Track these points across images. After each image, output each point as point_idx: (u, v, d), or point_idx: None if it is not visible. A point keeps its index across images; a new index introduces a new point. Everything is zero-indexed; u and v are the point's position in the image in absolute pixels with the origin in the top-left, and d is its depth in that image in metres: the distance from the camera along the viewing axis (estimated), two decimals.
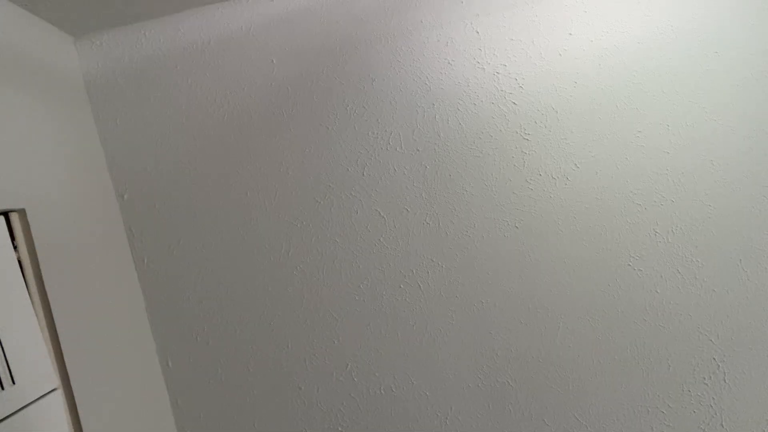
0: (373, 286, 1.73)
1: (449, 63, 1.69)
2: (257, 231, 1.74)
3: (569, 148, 1.67)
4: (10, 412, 1.09)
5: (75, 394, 1.30)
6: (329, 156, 1.73)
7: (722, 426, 1.67)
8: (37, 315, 1.26)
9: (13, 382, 1.12)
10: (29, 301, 1.24)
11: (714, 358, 1.66)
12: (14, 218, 1.27)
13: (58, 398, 1.24)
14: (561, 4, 1.66)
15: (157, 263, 1.77)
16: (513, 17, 1.67)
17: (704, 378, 1.67)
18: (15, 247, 1.26)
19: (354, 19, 1.71)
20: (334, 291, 1.74)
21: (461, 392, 1.72)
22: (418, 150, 1.71)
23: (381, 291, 1.73)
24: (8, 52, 1.39)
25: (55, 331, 1.30)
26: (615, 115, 1.66)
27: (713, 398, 1.67)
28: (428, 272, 1.72)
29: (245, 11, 1.74)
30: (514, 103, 1.68)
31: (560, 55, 1.67)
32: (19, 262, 1.26)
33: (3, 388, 1.09)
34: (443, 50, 1.69)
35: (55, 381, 1.25)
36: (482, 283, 1.70)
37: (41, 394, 1.19)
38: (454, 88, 1.69)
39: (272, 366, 1.75)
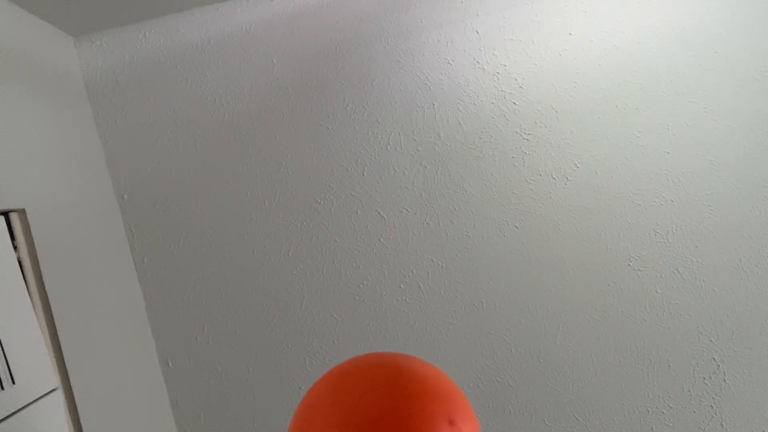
0: (373, 286, 1.73)
1: (449, 63, 1.69)
2: (257, 231, 1.74)
3: (569, 148, 1.67)
4: (10, 412, 1.09)
5: (75, 394, 1.30)
6: (329, 156, 1.73)
7: (722, 426, 1.67)
8: (37, 315, 1.26)
9: (13, 382, 1.12)
10: (29, 301, 1.24)
11: (714, 358, 1.66)
12: (14, 218, 1.27)
13: (58, 398, 1.24)
14: (561, 4, 1.67)
15: (157, 263, 1.77)
16: (513, 17, 1.67)
17: (704, 378, 1.67)
18: (15, 247, 1.26)
19: (354, 19, 1.71)
20: (334, 291, 1.74)
21: None
22: (418, 150, 1.71)
23: (381, 291, 1.73)
24: (8, 52, 1.39)
25: (55, 331, 1.30)
26: (615, 115, 1.66)
27: (713, 398, 1.67)
28: (428, 272, 1.72)
29: (245, 11, 1.74)
30: (514, 103, 1.68)
31: (560, 55, 1.67)
32: (19, 262, 1.26)
33: (3, 388, 1.09)
34: (443, 50, 1.69)
35: (55, 381, 1.25)
36: (482, 283, 1.70)
37: (41, 394, 1.19)
38: (454, 88, 1.69)
39: (272, 366, 1.75)
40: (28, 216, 1.29)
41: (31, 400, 1.15)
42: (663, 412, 1.68)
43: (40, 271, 1.29)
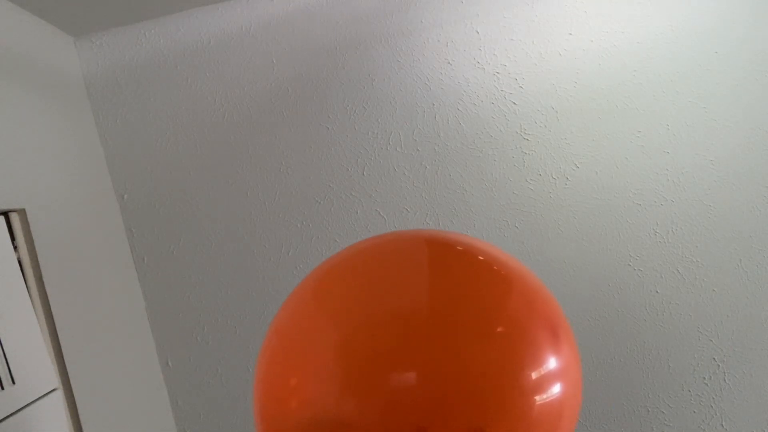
0: None
1: (449, 63, 1.69)
2: (257, 231, 1.74)
3: (569, 148, 1.67)
4: (10, 412, 1.09)
5: (75, 394, 1.30)
6: (329, 156, 1.73)
7: (722, 426, 1.67)
8: (37, 315, 1.26)
9: (13, 382, 1.12)
10: (29, 301, 1.24)
11: (714, 358, 1.66)
12: (14, 218, 1.27)
13: (58, 398, 1.25)
14: (561, 4, 1.66)
15: (157, 263, 1.77)
16: (513, 17, 1.67)
17: (704, 378, 1.67)
18: (15, 247, 1.26)
19: (354, 19, 1.71)
20: None
21: None
22: (418, 150, 1.71)
23: None
24: (8, 52, 1.39)
25: (55, 331, 1.30)
26: (615, 115, 1.66)
27: (713, 398, 1.67)
28: None
29: (245, 11, 1.74)
30: (514, 103, 1.68)
31: (560, 55, 1.66)
32: (19, 262, 1.26)
33: (3, 388, 1.09)
34: (443, 50, 1.69)
35: (55, 381, 1.25)
36: None
37: (41, 394, 1.19)
38: (454, 88, 1.69)
39: None
40: (28, 216, 1.29)
41: (31, 400, 1.15)
42: (663, 412, 1.68)
43: (40, 271, 1.29)
